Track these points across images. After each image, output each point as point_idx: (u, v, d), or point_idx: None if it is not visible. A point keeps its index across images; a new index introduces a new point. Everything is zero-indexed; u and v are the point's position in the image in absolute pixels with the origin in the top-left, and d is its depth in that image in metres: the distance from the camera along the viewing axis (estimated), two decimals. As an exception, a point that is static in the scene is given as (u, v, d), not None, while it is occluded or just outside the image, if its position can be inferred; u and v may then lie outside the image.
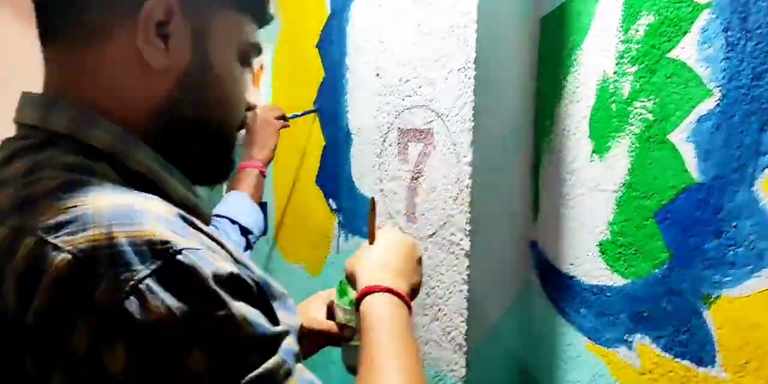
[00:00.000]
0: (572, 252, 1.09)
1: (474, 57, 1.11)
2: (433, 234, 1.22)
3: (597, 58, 1.04)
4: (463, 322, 1.14)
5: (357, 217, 1.67)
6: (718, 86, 0.86)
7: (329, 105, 1.76)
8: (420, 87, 1.24)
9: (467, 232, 1.14)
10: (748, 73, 0.82)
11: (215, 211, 1.37)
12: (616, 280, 1.01)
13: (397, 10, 1.29)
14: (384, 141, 1.35)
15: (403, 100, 1.28)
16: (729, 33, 0.85)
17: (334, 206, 1.74)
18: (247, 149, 1.56)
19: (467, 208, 1.14)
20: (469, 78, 1.12)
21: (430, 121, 1.21)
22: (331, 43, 1.75)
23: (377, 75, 1.36)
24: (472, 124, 1.12)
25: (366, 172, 1.63)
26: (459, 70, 1.14)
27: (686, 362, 0.90)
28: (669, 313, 0.93)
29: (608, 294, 1.03)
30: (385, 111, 1.34)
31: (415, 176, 1.26)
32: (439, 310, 1.20)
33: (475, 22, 1.11)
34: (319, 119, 1.82)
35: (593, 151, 1.06)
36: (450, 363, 1.17)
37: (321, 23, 1.78)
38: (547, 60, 1.15)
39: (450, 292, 1.18)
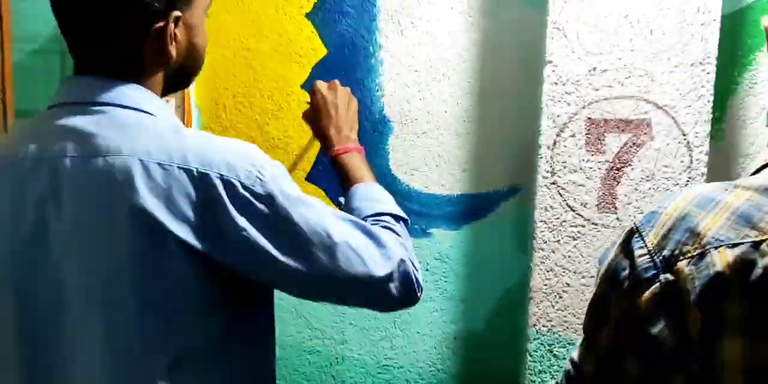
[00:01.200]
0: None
1: (715, 54, 1.23)
2: (647, 221, 1.29)
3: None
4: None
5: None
6: None
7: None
8: (627, 78, 1.26)
9: (700, 215, 1.27)
10: None
11: (368, 211, 1.07)
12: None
13: (593, 2, 1.24)
14: (561, 132, 1.29)
15: (597, 90, 1.27)
16: None
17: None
18: (332, 130, 1.20)
19: (698, 194, 1.26)
20: (708, 73, 1.23)
21: (645, 112, 1.26)
22: (342, 15, 1.45)
23: (550, 62, 1.28)
24: (709, 116, 1.24)
25: (419, 164, 1.47)
26: (692, 65, 1.23)
27: None
28: None
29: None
30: (565, 101, 1.28)
31: (618, 167, 1.28)
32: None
33: (717, 21, 1.22)
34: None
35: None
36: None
37: None
38: (722, 58, 1.33)
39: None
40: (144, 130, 0.84)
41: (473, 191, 1.49)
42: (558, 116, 1.28)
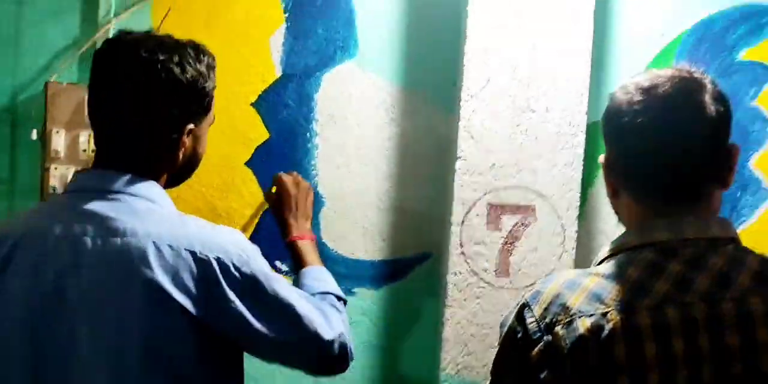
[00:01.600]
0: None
1: (581, 157, 1.63)
2: (532, 284, 1.65)
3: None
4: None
5: (327, 275, 1.76)
6: None
7: (273, 165, 1.74)
8: (519, 172, 1.63)
9: (571, 279, 1.65)
10: None
11: (317, 289, 1.37)
12: None
13: (494, 113, 1.61)
14: (468, 212, 1.63)
15: (496, 180, 1.63)
16: None
17: (284, 268, 1.75)
18: (292, 220, 1.48)
19: (570, 264, 1.64)
20: (576, 171, 1.63)
21: (531, 200, 1.63)
22: (284, 106, 1.74)
23: (459, 157, 1.62)
24: (578, 203, 1.64)
25: (346, 234, 1.76)
26: (565, 164, 1.63)
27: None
28: None
29: None
30: (471, 188, 1.63)
31: (511, 241, 1.64)
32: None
33: (582, 132, 1.63)
34: (257, 182, 1.75)
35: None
36: None
37: (265, 83, 1.73)
38: (587, 159, 1.74)
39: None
40: (155, 216, 1.06)
41: (391, 257, 1.79)
42: (466, 200, 1.62)
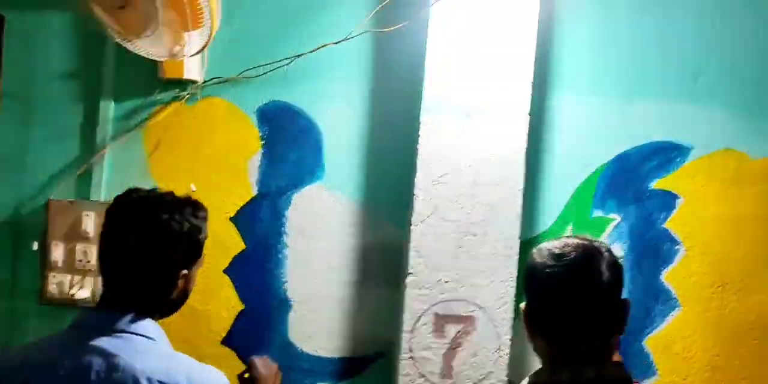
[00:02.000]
0: None
1: (515, 274, 1.89)
2: (472, 384, 1.89)
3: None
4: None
5: (293, 372, 1.99)
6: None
7: (249, 273, 1.98)
8: (461, 287, 1.88)
9: (505, 382, 1.89)
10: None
11: None
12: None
13: (440, 236, 1.87)
14: (417, 321, 1.88)
15: (442, 294, 1.88)
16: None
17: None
18: None
19: (504, 367, 1.89)
20: (511, 287, 1.89)
21: (472, 311, 1.88)
22: (260, 221, 1.98)
23: (410, 273, 1.87)
24: (512, 314, 1.89)
25: (311, 333, 2.00)
26: (501, 281, 1.89)
27: None
28: None
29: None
30: (420, 300, 1.88)
31: (454, 347, 1.88)
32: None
33: (516, 252, 1.89)
34: (234, 287, 1.98)
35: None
36: None
37: (242, 200, 1.97)
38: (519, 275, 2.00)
39: (489, 419, 1.89)
40: (151, 354, 1.26)
41: (350, 355, 2.02)
42: (415, 311, 1.87)
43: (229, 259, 2.01)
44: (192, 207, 1.35)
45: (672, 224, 1.99)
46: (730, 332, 1.97)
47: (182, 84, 1.99)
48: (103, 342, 1.24)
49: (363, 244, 2.02)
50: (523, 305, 1.28)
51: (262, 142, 2.01)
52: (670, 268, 1.99)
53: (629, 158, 1.99)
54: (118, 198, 1.36)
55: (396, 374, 1.89)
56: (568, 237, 1.28)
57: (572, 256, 1.21)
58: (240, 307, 2.01)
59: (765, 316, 1.97)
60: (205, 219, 1.37)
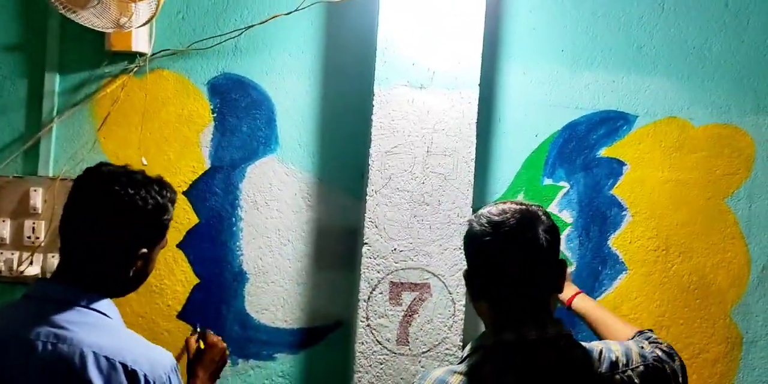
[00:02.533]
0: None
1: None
2: (427, 351, 1.93)
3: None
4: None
5: (251, 343, 2.01)
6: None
7: (203, 246, 1.98)
8: (416, 256, 1.92)
9: (460, 347, 1.94)
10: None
11: None
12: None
13: (395, 205, 1.89)
14: (373, 290, 1.91)
15: (397, 263, 1.91)
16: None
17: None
18: (201, 373, 1.61)
19: (459, 332, 1.94)
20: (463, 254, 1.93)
21: (427, 279, 1.92)
22: (212, 194, 1.98)
23: (366, 243, 1.90)
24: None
25: (268, 305, 2.01)
26: (455, 249, 1.92)
27: None
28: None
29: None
30: (375, 269, 1.90)
31: (410, 314, 1.92)
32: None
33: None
34: (188, 261, 1.98)
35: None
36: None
37: (195, 174, 1.97)
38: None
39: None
40: (100, 329, 1.24)
41: (308, 325, 2.04)
42: (371, 280, 1.89)
43: (183, 234, 2.00)
44: (161, 187, 1.33)
45: (619, 191, 2.05)
46: (674, 293, 2.05)
47: (130, 56, 1.96)
48: (55, 314, 1.24)
49: (318, 217, 2.03)
50: (465, 271, 1.32)
51: (214, 114, 2.00)
52: (617, 233, 2.05)
53: (577, 127, 2.04)
54: (87, 170, 1.33)
55: (353, 342, 1.92)
56: (504, 203, 1.31)
57: (511, 223, 1.25)
58: (195, 281, 2.01)
59: (705, 277, 2.05)
60: (172, 201, 1.36)
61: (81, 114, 1.98)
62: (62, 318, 1.23)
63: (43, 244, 1.93)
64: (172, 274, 2.00)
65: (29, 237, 1.93)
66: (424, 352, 1.90)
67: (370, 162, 1.89)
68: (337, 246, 2.03)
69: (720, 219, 2.06)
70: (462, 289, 1.90)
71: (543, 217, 1.29)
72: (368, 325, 1.90)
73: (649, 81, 2.04)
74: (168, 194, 1.34)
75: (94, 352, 1.20)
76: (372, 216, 1.89)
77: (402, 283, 1.90)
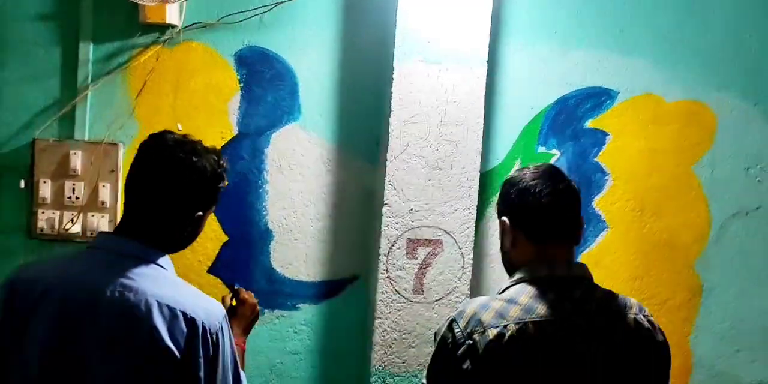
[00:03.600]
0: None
1: (475, 203, 2.17)
2: (440, 299, 2.17)
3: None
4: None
5: (276, 295, 2.20)
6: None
7: (231, 207, 2.15)
8: (430, 215, 2.14)
9: (468, 296, 2.19)
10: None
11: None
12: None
13: (412, 170, 2.10)
14: (392, 246, 2.13)
15: (413, 221, 2.13)
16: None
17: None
18: (235, 327, 1.66)
19: (467, 282, 2.19)
20: (472, 213, 2.17)
21: (439, 235, 2.15)
22: (240, 159, 2.15)
23: (385, 204, 2.11)
24: (473, 237, 2.18)
25: (292, 261, 2.21)
26: (464, 209, 2.16)
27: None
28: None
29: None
30: (394, 227, 2.12)
31: (424, 266, 2.15)
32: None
33: (476, 185, 2.16)
34: (218, 220, 2.14)
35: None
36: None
37: (224, 140, 2.13)
38: (480, 205, 2.28)
39: (453, 328, 2.18)
40: (161, 281, 1.35)
41: (328, 278, 2.24)
42: (390, 236, 2.11)
43: (213, 195, 2.15)
44: (218, 156, 1.46)
45: (602, 158, 2.31)
46: (648, 249, 2.34)
47: (161, 28, 2.08)
48: (121, 264, 1.34)
49: (337, 180, 2.21)
50: (505, 220, 1.52)
51: (241, 85, 2.15)
52: (599, 196, 2.32)
53: (567, 101, 2.28)
54: (152, 137, 1.44)
55: (373, 292, 2.13)
56: (529, 166, 1.53)
57: (553, 171, 1.50)
58: (224, 238, 2.17)
59: (675, 235, 2.35)
60: (226, 170, 1.48)
61: (114, 82, 2.09)
62: (127, 269, 1.33)
63: (83, 204, 2.05)
64: (203, 233, 2.13)
65: (69, 197, 2.05)
66: (436, 300, 2.14)
67: (389, 130, 2.08)
68: (354, 207, 2.23)
69: (687, 183, 2.35)
70: (470, 245, 2.14)
71: (563, 174, 1.53)
72: (387, 277, 2.12)
73: (630, 60, 2.30)
74: (224, 163, 1.47)
75: (157, 301, 1.30)
76: (391, 179, 2.10)
77: (417, 240, 2.12)
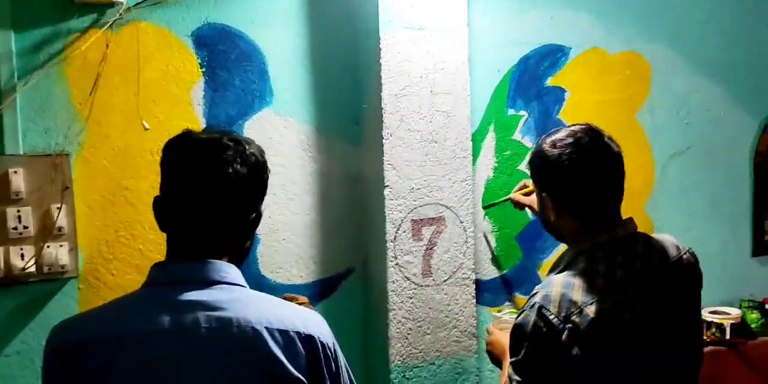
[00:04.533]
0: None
1: (471, 175, 2.10)
2: (448, 279, 2.09)
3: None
4: (473, 326, 2.11)
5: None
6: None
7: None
8: (431, 192, 2.03)
9: (474, 270, 2.12)
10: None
11: None
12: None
13: (409, 146, 1.96)
14: (398, 230, 1.99)
15: (415, 201, 2.01)
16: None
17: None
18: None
19: (472, 257, 2.12)
20: (470, 186, 2.09)
21: (441, 212, 2.05)
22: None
23: (387, 186, 1.95)
24: (472, 209, 2.11)
25: (282, 264, 1.99)
26: (461, 181, 2.08)
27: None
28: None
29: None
30: (398, 209, 1.98)
31: (430, 247, 2.05)
32: (454, 326, 2.10)
33: (470, 155, 2.09)
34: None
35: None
36: (466, 349, 2.11)
37: None
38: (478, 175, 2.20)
39: (463, 309, 2.11)
40: (252, 301, 1.14)
41: (322, 277, 2.04)
42: (395, 220, 1.96)
43: (186, 201, 1.84)
44: (251, 143, 1.22)
45: (563, 115, 2.33)
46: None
47: (101, 7, 1.71)
48: (199, 295, 1.11)
49: (320, 167, 2.00)
50: (544, 194, 1.45)
51: (203, 69, 1.84)
52: (564, 152, 2.34)
53: (529, 61, 2.26)
54: (176, 142, 1.18)
55: (378, 283, 1.98)
56: (560, 130, 1.45)
57: (586, 140, 1.40)
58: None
59: (628, 181, 2.41)
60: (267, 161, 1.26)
61: (49, 78, 1.69)
62: (210, 297, 1.11)
63: (32, 234, 1.65)
64: (179, 247, 1.84)
65: (15, 228, 1.64)
66: (445, 281, 2.04)
67: (382, 106, 1.91)
68: (341, 195, 2.04)
69: (632, 131, 2.46)
70: (470, 217, 2.06)
71: (602, 130, 1.45)
72: (397, 264, 1.97)
73: (577, 17, 2.32)
74: (262, 149, 1.25)
75: (266, 328, 1.11)
76: (389, 158, 1.94)
77: (421, 220, 2.00)
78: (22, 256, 1.64)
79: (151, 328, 1.08)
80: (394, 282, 1.97)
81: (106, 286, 1.78)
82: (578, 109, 2.34)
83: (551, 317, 1.32)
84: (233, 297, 1.13)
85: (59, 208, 1.67)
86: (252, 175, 1.18)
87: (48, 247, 1.67)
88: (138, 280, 1.69)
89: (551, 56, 2.29)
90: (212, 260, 1.15)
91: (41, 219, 1.66)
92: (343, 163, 2.02)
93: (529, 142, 2.27)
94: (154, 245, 1.80)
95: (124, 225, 1.78)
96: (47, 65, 1.67)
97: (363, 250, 2.07)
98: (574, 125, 1.45)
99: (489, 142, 2.21)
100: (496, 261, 2.24)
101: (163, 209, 1.17)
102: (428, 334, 2.03)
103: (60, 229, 1.68)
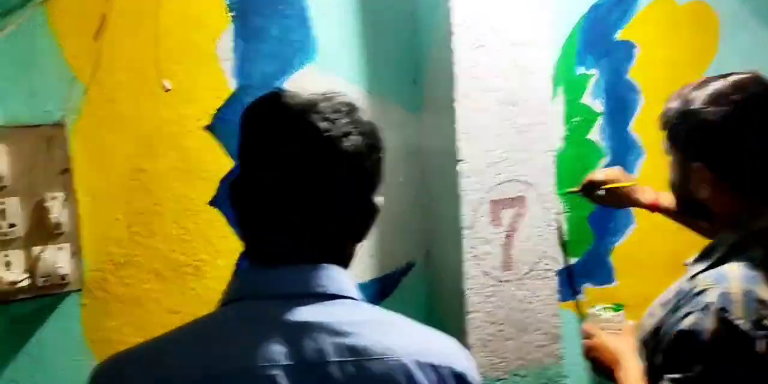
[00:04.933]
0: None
1: (555, 144, 1.74)
2: (529, 271, 1.72)
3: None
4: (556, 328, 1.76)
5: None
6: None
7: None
8: (510, 165, 1.66)
9: (555, 259, 1.76)
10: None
11: None
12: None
13: (484, 109, 1.59)
14: (476, 214, 1.62)
15: (493, 177, 1.64)
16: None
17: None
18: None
19: (555, 244, 1.75)
20: (550, 158, 1.73)
21: (521, 190, 1.69)
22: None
23: (460, 160, 1.58)
24: (555, 187, 1.75)
25: None
26: (543, 152, 1.71)
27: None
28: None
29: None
30: (475, 189, 1.60)
31: (510, 234, 1.68)
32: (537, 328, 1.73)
33: (550, 121, 1.73)
34: (226, 222, 1.46)
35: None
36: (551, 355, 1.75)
37: (218, 99, 1.42)
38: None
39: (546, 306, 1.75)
40: (383, 324, 0.86)
41: (380, 273, 1.67)
42: (473, 202, 1.59)
43: (214, 186, 1.44)
44: (362, 113, 0.94)
45: (633, 74, 2.00)
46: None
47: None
48: (317, 314, 0.82)
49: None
50: (700, 165, 1.17)
51: (232, 13, 1.43)
52: (634, 118, 2.02)
53: (599, 9, 1.92)
54: (261, 107, 0.93)
55: (458, 281, 1.62)
56: (718, 78, 1.19)
57: (757, 92, 1.16)
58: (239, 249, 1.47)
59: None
60: None
61: (31, 27, 1.25)
62: (334, 320, 0.81)
63: (21, 235, 1.22)
64: (208, 244, 1.44)
65: (-2, 228, 1.20)
66: (526, 274, 1.69)
67: (453, 60, 1.54)
68: (399, 171, 1.66)
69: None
70: (553, 196, 1.71)
71: None
72: (474, 256, 1.61)
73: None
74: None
75: (417, 362, 0.82)
76: (463, 127, 1.57)
77: (501, 200, 1.64)
78: (8, 264, 1.20)
79: (255, 363, 0.77)
80: (471, 278, 1.61)
81: (118, 300, 1.36)
82: (648, 67, 2.01)
83: (738, 322, 1.04)
84: (364, 318, 0.84)
85: (55, 199, 1.24)
86: (371, 149, 0.91)
87: (42, 252, 1.23)
88: (160, 292, 1.32)
89: (619, 6, 1.96)
90: (326, 264, 0.85)
91: (33, 213, 1.23)
92: (398, 134, 1.64)
93: (600, 106, 1.93)
94: (178, 244, 1.38)
95: (139, 218, 1.36)
96: (30, 4, 1.22)
97: (426, 241, 1.70)
98: (732, 74, 1.17)
99: (557, 106, 1.86)
100: (566, 247, 1.89)
101: (250, 197, 0.86)
102: (510, 340, 1.68)
103: (58, 226, 1.25)
